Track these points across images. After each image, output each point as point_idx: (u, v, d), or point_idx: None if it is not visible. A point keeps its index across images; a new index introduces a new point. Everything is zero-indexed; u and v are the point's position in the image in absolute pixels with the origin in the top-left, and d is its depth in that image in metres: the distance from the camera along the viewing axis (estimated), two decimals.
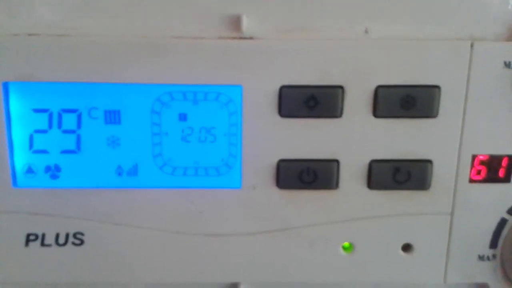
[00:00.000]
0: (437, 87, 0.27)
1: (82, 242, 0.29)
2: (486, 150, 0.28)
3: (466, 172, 0.28)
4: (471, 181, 0.29)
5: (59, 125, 0.28)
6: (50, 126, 0.28)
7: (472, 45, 0.27)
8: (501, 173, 0.28)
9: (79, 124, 0.28)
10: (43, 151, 0.29)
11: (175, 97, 0.28)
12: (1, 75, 0.27)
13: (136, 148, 0.29)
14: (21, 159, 0.29)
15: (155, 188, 0.29)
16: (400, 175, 0.28)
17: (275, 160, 0.28)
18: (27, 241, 0.29)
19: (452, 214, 0.29)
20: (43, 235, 0.29)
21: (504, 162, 0.28)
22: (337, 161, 0.28)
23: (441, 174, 0.28)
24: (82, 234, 0.29)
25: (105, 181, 0.29)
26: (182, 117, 0.29)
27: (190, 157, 0.29)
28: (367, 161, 0.28)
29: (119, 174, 0.29)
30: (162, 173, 0.29)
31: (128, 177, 0.29)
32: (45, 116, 0.28)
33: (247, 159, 0.29)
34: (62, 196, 0.29)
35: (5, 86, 0.27)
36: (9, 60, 0.27)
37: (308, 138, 0.28)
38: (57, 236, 0.29)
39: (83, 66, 0.27)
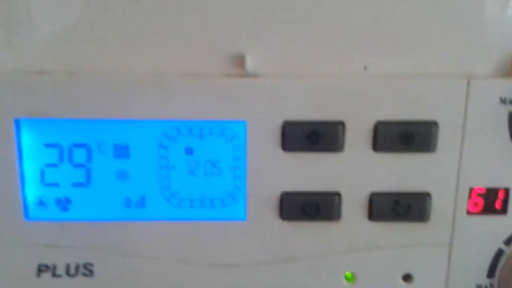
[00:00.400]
0: (434, 123, 0.27)
1: (92, 273, 0.28)
2: (483, 183, 0.27)
3: (463, 204, 0.28)
4: (469, 213, 0.28)
5: (70, 159, 0.28)
6: (61, 160, 0.28)
7: (468, 83, 0.26)
8: (498, 205, 0.28)
9: (89, 158, 0.28)
10: (54, 184, 0.28)
11: (181, 131, 0.28)
12: (13, 112, 0.26)
13: (144, 181, 0.28)
14: (32, 192, 0.28)
15: (162, 220, 0.28)
16: (400, 207, 0.27)
17: (278, 193, 0.28)
18: (39, 271, 0.28)
19: (450, 245, 0.28)
20: (54, 266, 0.28)
21: (501, 195, 0.28)
22: (338, 194, 0.28)
23: (439, 206, 0.28)
24: (92, 265, 0.28)
25: (114, 213, 0.28)
26: (189, 151, 0.28)
27: (197, 190, 0.28)
28: (367, 193, 0.28)
29: (128, 206, 0.29)
30: (169, 205, 0.28)
31: (136, 209, 0.28)
32: (56, 150, 0.27)
33: (251, 192, 0.28)
34: (72, 228, 0.28)
35: (17, 122, 0.27)
36: (19, 97, 0.26)
37: (311, 172, 0.27)
38: (68, 267, 0.28)
39: (92, 102, 0.26)
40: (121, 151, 0.28)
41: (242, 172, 0.28)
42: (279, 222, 0.28)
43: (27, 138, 0.27)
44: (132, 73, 0.27)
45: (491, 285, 0.29)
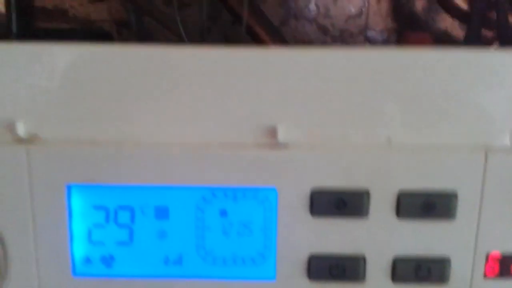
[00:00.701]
0: (454, 192, 0.28)
1: None
2: (499, 249, 0.29)
3: (481, 268, 0.29)
4: (486, 277, 0.29)
5: (115, 220, 0.29)
6: (107, 220, 0.29)
7: (486, 155, 0.28)
8: None
9: (132, 219, 0.29)
10: (100, 243, 0.30)
11: (217, 195, 0.30)
12: (65, 178, 0.29)
13: (181, 240, 0.30)
14: (80, 250, 0.30)
15: (197, 278, 0.30)
16: (421, 271, 0.28)
17: (306, 255, 0.29)
18: None
19: None
20: None
21: None
22: (363, 257, 0.29)
23: (458, 270, 0.29)
24: None
25: (154, 270, 0.30)
26: (223, 213, 0.30)
27: (230, 250, 0.30)
28: (391, 257, 0.29)
29: (166, 263, 0.30)
30: (203, 263, 0.30)
31: (174, 267, 0.30)
32: (103, 212, 0.29)
33: (281, 253, 0.29)
34: (115, 284, 0.30)
35: (69, 188, 0.29)
36: (72, 165, 0.28)
37: (337, 236, 0.29)
38: None
39: (137, 170, 0.28)
40: (162, 213, 0.30)
41: (273, 234, 0.29)
42: (307, 282, 0.29)
43: (77, 201, 0.29)
44: (172, 143, 0.29)
45: None
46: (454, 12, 0.48)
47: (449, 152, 0.28)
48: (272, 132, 0.29)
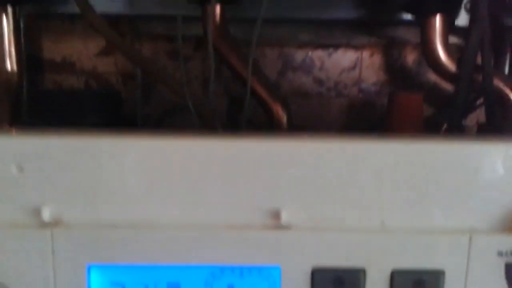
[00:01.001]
0: (442, 271, 0.31)
1: None
2: None
3: None
4: None
5: None
6: None
7: (470, 238, 0.31)
8: None
9: None
10: None
11: (224, 272, 0.32)
12: (86, 258, 0.31)
13: None
14: None
15: None
16: None
17: None
18: None
19: None
20: None
21: None
22: None
23: None
24: None
25: None
26: None
27: None
28: None
29: None
30: None
31: None
32: None
33: None
34: None
35: (89, 268, 0.31)
36: (92, 246, 0.31)
37: None
38: None
39: (151, 251, 0.31)
40: None
41: None
42: None
43: (96, 280, 0.31)
44: (184, 225, 0.31)
45: None
46: (442, 72, 0.52)
47: (437, 234, 0.31)
48: (276, 215, 0.31)
